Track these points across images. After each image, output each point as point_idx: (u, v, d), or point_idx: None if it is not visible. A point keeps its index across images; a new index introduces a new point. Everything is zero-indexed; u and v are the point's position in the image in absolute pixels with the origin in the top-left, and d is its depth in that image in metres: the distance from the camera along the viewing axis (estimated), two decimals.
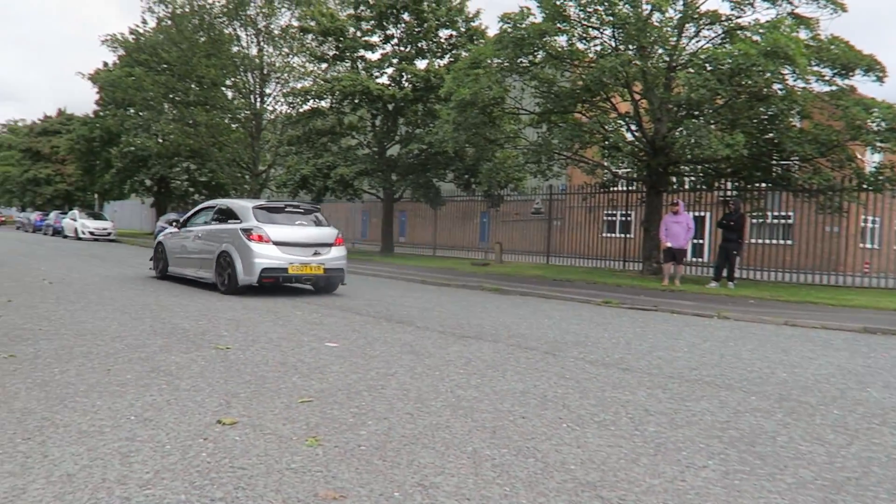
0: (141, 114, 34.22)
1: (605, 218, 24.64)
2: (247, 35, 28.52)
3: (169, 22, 27.95)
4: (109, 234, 33.02)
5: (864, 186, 15.06)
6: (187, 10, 27.52)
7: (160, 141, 36.56)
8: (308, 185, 23.87)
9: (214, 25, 27.34)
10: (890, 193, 15.48)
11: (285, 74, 28.87)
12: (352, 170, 21.43)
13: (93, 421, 3.49)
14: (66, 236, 34.35)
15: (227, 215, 10.92)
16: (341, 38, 23.60)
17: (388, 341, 6.32)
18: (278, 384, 4.45)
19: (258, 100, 29.12)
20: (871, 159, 16.82)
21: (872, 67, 14.30)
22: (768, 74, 12.43)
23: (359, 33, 24.14)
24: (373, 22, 23.77)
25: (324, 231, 10.74)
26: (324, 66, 25.67)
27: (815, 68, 14.43)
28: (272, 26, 28.19)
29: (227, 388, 4.28)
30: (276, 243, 9.97)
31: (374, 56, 24.65)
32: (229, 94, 29.78)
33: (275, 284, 10.35)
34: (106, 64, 39.63)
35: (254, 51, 28.65)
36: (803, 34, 14.87)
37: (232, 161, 29.69)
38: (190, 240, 11.45)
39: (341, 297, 10.42)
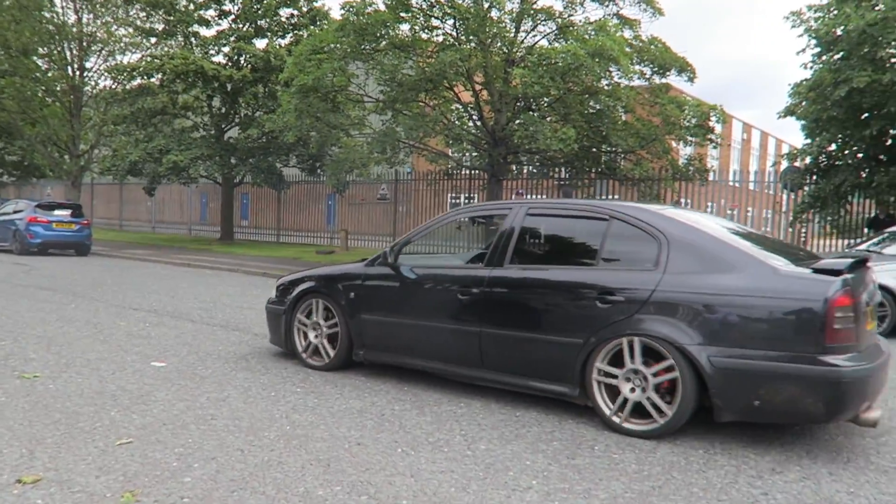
0: None
1: (450, 200, 25.21)
2: (62, 1, 25.67)
3: None
4: None
5: (678, 176, 16.64)
6: None
7: None
8: (137, 171, 22.10)
9: None
10: (699, 182, 17.19)
11: (109, 46, 26.37)
12: (186, 156, 20.09)
13: None
14: None
15: None
16: (172, 12, 21.92)
17: (221, 356, 6.03)
18: (93, 422, 4.08)
19: (77, 73, 26.38)
20: (684, 151, 18.50)
21: (684, 69, 15.72)
22: (595, 74, 13.24)
23: (192, 7, 22.56)
24: None
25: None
26: (153, 40, 23.74)
27: (637, 67, 15.59)
28: None
29: (32, 433, 3.85)
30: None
31: (208, 32, 23.20)
32: (42, 64, 26.68)
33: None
34: None
35: (71, 18, 25.85)
36: (627, 33, 16.01)
37: (47, 139, 26.72)
38: None
39: (172, 298, 9.80)
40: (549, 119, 15.32)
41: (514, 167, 18.22)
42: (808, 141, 16.12)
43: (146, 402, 4.54)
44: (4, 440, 3.73)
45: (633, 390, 4.10)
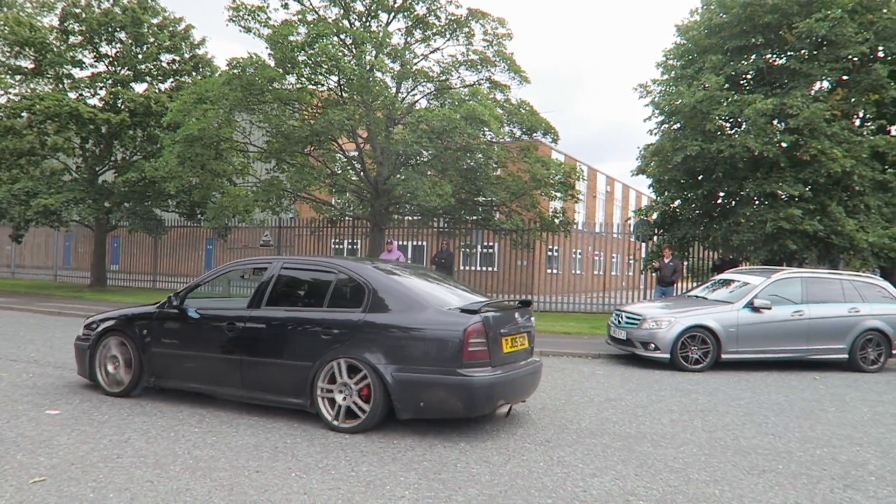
0: None
1: (333, 246, 25.76)
2: None
3: None
4: None
5: (545, 227, 18.23)
6: None
7: None
8: (2, 213, 20.95)
9: None
10: (563, 232, 18.85)
11: None
12: (57, 199, 19.39)
13: None
14: None
15: None
16: (43, 51, 21.28)
17: (115, 403, 6.32)
18: (2, 465, 4.39)
19: None
20: (553, 205, 20.24)
21: (549, 131, 17.46)
22: (467, 135, 14.56)
23: (64, 47, 22.01)
24: (82, 37, 21.88)
25: None
26: (18, 77, 22.79)
27: (507, 129, 17.17)
28: None
29: None
30: None
31: (82, 73, 22.65)
32: None
33: None
34: None
35: None
36: (499, 96, 17.63)
37: None
38: None
39: (50, 348, 9.72)
40: (428, 174, 16.44)
41: (395, 216, 19.17)
42: (656, 197, 18.27)
43: (49, 446, 4.86)
44: None
45: (344, 398, 5.50)
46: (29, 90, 22.31)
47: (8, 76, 23.00)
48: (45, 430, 5.27)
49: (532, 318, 6.29)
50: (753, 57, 15.79)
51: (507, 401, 5.64)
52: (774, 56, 16.18)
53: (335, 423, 5.50)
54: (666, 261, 14.83)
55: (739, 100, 14.56)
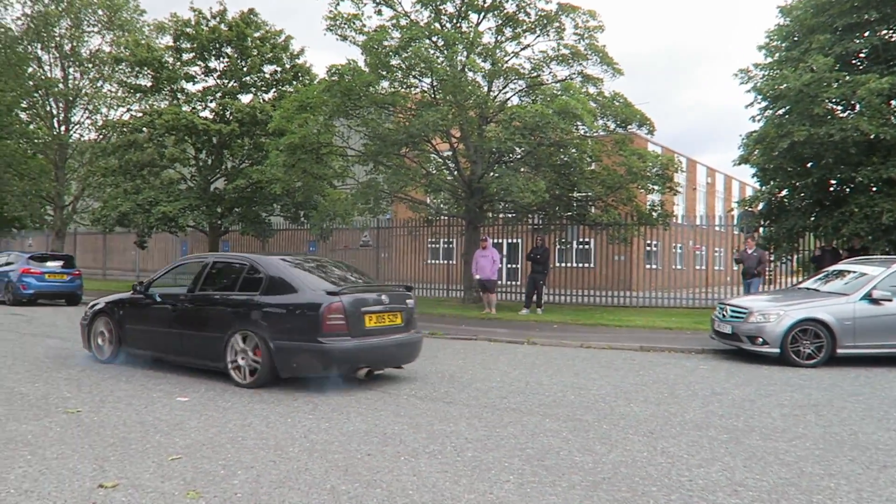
0: None
1: (429, 246, 26.24)
2: (50, 56, 26.69)
3: None
4: None
5: (643, 221, 17.83)
6: None
7: None
8: (126, 222, 22.72)
9: (10, 45, 25.22)
10: (662, 226, 18.35)
11: (95, 102, 27.33)
12: (175, 206, 20.89)
13: None
14: None
15: None
16: (160, 69, 22.95)
17: (236, 392, 6.82)
18: (144, 444, 4.87)
19: (62, 126, 27.24)
20: (650, 198, 19.74)
21: (644, 122, 17.04)
22: (560, 130, 14.49)
23: (178, 64, 23.63)
24: (193, 54, 23.42)
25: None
26: (138, 95, 24.66)
27: (601, 122, 16.91)
28: (80, 50, 26.64)
29: (95, 453, 4.63)
30: None
31: (194, 87, 24.24)
32: (23, 116, 27.35)
33: None
34: None
35: (57, 73, 26.85)
36: (592, 89, 17.39)
37: (31, 193, 27.26)
38: None
39: None
40: (521, 170, 16.48)
41: (490, 214, 19.32)
42: (761, 187, 17.47)
43: (182, 428, 5.34)
44: (76, 458, 4.51)
45: (244, 360, 7.05)
46: (147, 106, 24.11)
47: (129, 94, 25.02)
48: (177, 415, 5.78)
49: (409, 301, 7.62)
50: (867, 34, 14.82)
51: (368, 365, 7.00)
52: (891, 31, 15.10)
53: (242, 381, 7.00)
54: (749, 251, 14.18)
55: (851, 80, 13.69)
